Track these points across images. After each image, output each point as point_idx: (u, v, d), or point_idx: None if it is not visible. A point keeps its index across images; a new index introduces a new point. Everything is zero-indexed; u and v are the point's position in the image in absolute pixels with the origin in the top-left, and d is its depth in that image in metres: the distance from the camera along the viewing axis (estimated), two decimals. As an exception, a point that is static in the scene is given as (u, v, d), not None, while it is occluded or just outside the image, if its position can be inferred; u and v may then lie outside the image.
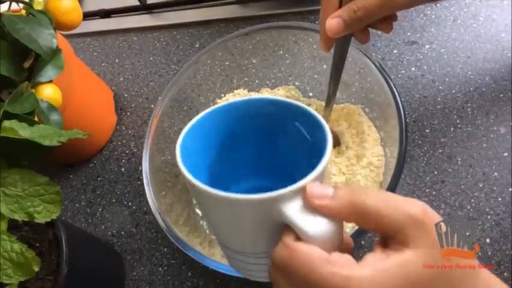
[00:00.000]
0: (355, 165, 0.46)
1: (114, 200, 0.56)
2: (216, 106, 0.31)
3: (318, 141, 0.25)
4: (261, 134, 0.32)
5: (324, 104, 0.52)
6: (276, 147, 0.32)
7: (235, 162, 0.33)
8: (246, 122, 0.31)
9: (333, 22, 0.34)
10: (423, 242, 0.21)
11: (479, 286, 0.22)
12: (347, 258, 0.22)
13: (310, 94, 0.54)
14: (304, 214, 0.22)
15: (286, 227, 0.23)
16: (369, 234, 0.46)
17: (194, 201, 0.50)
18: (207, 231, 0.48)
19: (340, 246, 0.23)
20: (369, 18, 0.34)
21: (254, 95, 0.55)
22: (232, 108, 0.31)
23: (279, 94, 0.54)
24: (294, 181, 0.23)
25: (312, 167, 0.23)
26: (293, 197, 0.23)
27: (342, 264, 0.21)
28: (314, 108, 0.52)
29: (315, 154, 0.25)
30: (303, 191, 0.23)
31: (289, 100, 0.29)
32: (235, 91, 0.55)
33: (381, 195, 0.22)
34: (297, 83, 0.54)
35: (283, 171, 0.32)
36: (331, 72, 0.41)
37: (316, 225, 0.22)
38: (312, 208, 0.22)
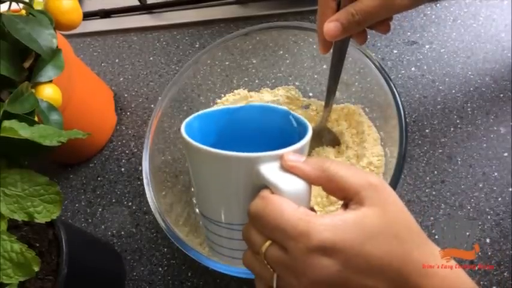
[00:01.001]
0: (355, 165, 0.46)
1: (114, 200, 0.56)
2: (229, 106, 0.34)
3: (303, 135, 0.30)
4: (257, 137, 0.35)
5: (323, 103, 0.52)
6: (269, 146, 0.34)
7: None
8: (245, 125, 0.35)
9: (331, 26, 0.34)
10: (377, 202, 0.25)
11: (426, 251, 0.25)
12: (312, 211, 0.25)
13: (310, 94, 0.54)
14: (279, 174, 0.26)
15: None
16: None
17: (194, 201, 0.50)
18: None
19: (308, 207, 0.27)
20: (367, 22, 0.34)
21: (254, 95, 0.54)
22: (240, 110, 0.35)
23: (279, 94, 0.54)
24: None
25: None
26: (271, 161, 0.27)
27: (306, 214, 0.25)
28: (314, 108, 0.53)
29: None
30: (281, 158, 0.27)
31: (282, 107, 0.33)
32: (236, 91, 0.55)
33: (345, 164, 0.26)
34: (297, 83, 0.54)
35: None
36: (330, 73, 0.41)
37: (288, 183, 0.26)
38: (286, 170, 0.27)
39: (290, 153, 0.27)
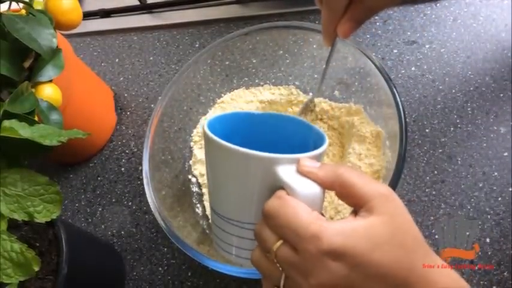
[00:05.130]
0: (354, 166, 0.46)
1: (114, 200, 0.56)
2: (250, 111, 0.37)
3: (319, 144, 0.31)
4: (276, 143, 0.36)
5: (323, 100, 0.52)
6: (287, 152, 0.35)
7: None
8: (262, 131, 0.37)
9: (347, 26, 0.35)
10: (385, 211, 0.25)
11: (427, 260, 0.26)
12: (324, 217, 0.26)
13: (310, 94, 0.54)
14: (295, 177, 0.28)
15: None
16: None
17: (194, 201, 0.50)
18: (207, 231, 0.48)
19: (320, 212, 0.27)
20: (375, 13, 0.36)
21: (255, 91, 0.54)
22: (255, 116, 0.37)
23: (280, 93, 0.54)
24: None
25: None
26: (289, 163, 0.28)
27: (319, 218, 0.26)
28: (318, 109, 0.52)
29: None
30: (297, 161, 0.28)
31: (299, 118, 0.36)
32: (235, 91, 0.55)
33: (357, 171, 0.28)
34: (297, 83, 0.54)
35: None
36: (328, 59, 0.42)
37: (304, 186, 0.27)
38: (302, 174, 0.28)
39: (306, 158, 0.28)
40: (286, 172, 0.28)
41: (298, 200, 0.26)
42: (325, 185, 0.27)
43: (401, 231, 0.25)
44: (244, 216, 0.31)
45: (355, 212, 0.27)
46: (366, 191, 0.26)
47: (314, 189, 0.27)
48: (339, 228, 0.25)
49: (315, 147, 0.30)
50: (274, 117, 0.37)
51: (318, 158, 0.30)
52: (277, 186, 0.28)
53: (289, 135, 0.36)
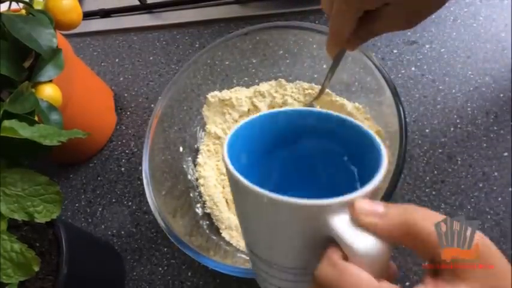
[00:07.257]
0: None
1: (114, 200, 0.56)
2: (263, 112, 0.30)
3: (369, 162, 0.24)
4: (306, 148, 0.31)
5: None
6: (320, 163, 0.31)
7: (276, 171, 0.32)
8: (291, 133, 0.30)
9: (356, 44, 0.35)
10: (480, 274, 0.19)
11: None
12: (394, 287, 0.19)
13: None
14: (352, 230, 0.21)
15: (330, 244, 0.22)
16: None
17: (194, 201, 0.50)
18: (207, 231, 0.48)
19: (387, 272, 0.22)
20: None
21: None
22: (280, 116, 0.30)
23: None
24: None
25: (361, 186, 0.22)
26: (341, 210, 0.21)
27: None
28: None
29: (364, 174, 0.24)
30: (351, 206, 0.21)
31: (341, 115, 0.27)
32: (235, 87, 0.55)
33: (436, 216, 0.20)
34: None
35: (327, 189, 0.28)
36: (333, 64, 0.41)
37: (365, 243, 0.20)
38: (359, 225, 0.21)
39: (362, 201, 0.21)
40: (340, 222, 0.21)
41: (358, 265, 0.20)
42: (392, 239, 0.20)
43: None
44: (286, 262, 0.26)
45: (435, 271, 0.20)
46: None
47: (378, 247, 0.20)
48: None
49: (363, 163, 0.24)
50: (303, 114, 0.29)
51: (375, 192, 0.22)
52: (326, 234, 0.22)
53: (323, 139, 0.29)
